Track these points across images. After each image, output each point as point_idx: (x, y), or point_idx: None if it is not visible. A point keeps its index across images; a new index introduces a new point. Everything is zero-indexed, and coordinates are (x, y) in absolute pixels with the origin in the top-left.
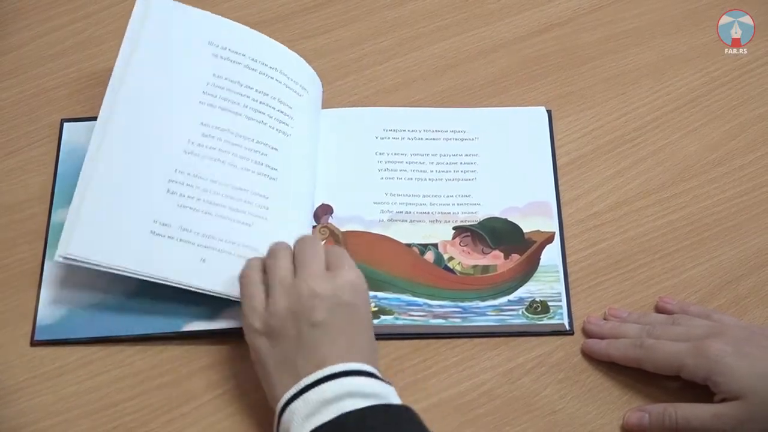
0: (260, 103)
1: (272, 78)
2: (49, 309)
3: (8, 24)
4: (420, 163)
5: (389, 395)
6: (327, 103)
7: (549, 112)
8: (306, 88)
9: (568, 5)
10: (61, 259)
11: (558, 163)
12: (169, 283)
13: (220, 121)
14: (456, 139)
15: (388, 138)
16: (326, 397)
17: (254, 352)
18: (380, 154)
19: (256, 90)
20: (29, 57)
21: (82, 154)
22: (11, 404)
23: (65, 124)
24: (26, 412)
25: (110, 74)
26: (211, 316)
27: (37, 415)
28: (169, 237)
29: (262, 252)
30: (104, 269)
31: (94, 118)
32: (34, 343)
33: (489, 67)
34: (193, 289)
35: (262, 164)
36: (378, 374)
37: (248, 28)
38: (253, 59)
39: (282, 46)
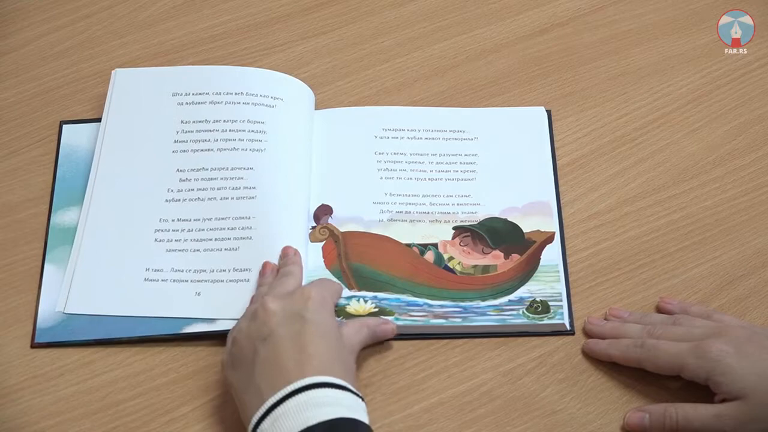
0: (230, 131)
1: (238, 103)
2: (49, 311)
3: (9, 24)
4: (419, 162)
5: (344, 401)
6: (327, 103)
7: (549, 112)
8: (279, 97)
9: (569, 5)
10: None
11: (559, 163)
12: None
13: (194, 163)
14: (456, 139)
15: (388, 138)
16: (288, 414)
17: (229, 387)
18: (379, 153)
19: (224, 120)
20: (30, 57)
21: (80, 156)
22: (12, 404)
23: (64, 126)
24: (27, 412)
25: (110, 76)
26: (211, 318)
27: (37, 415)
28: (162, 280)
29: (255, 270)
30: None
31: (93, 120)
32: (34, 346)
33: (490, 67)
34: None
35: (239, 188)
36: (337, 382)
37: (207, 66)
38: (216, 93)
39: (243, 68)
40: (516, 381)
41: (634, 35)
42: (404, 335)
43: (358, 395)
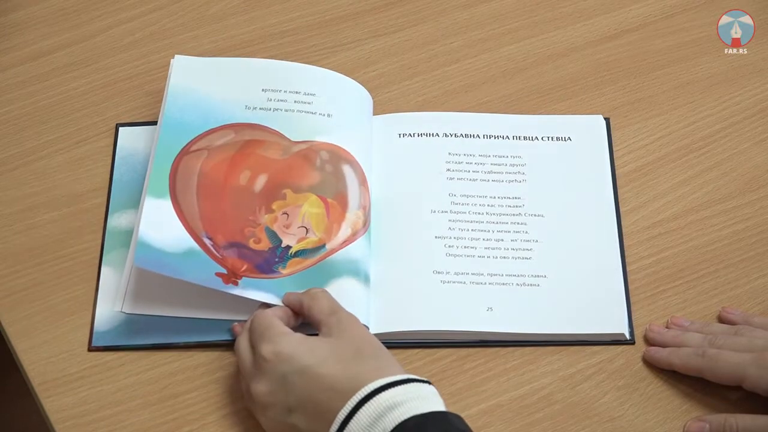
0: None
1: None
2: (106, 315)
3: (81, 14)
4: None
5: (410, 393)
6: (393, 102)
7: (607, 120)
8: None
9: (640, 12)
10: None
11: (624, 170)
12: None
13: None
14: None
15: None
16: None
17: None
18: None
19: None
20: (100, 47)
21: (136, 160)
22: (72, 393)
23: (120, 129)
24: (86, 401)
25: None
26: None
27: (97, 404)
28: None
29: None
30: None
31: (151, 123)
32: (91, 349)
33: (558, 71)
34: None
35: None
36: (392, 379)
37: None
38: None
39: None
40: (575, 386)
41: (704, 43)
42: (462, 342)
43: (414, 380)
